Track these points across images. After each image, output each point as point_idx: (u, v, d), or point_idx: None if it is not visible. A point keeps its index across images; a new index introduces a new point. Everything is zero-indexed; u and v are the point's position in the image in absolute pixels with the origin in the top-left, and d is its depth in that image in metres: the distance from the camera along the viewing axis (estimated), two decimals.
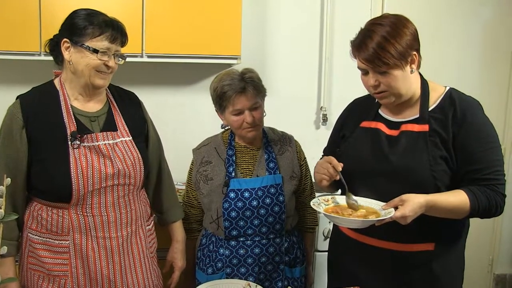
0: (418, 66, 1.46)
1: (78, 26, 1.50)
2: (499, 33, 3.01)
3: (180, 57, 2.42)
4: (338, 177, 1.47)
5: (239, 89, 1.72)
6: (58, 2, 2.21)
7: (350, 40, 1.47)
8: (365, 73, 1.43)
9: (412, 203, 1.32)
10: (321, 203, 1.47)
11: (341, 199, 1.49)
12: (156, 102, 2.69)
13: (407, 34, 1.38)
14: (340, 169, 1.46)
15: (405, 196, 1.34)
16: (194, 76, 2.71)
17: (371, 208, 1.42)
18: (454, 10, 2.96)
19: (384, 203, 1.39)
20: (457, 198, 1.37)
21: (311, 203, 1.46)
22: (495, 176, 1.40)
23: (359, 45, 1.40)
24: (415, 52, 1.41)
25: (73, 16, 1.53)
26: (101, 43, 1.50)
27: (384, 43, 1.35)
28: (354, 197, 1.48)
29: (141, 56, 2.36)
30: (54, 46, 1.57)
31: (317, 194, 2.15)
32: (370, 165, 1.49)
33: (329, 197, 1.49)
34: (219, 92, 1.74)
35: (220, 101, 1.75)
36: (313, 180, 1.70)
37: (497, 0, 2.99)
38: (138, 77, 2.65)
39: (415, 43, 1.41)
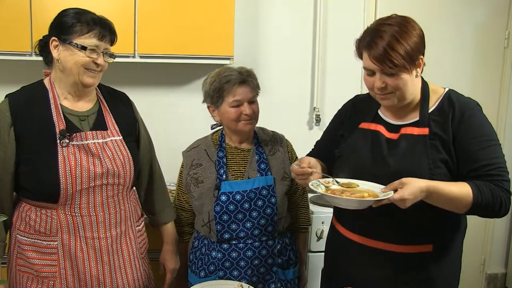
0: (421, 70, 1.45)
1: (66, 24, 1.50)
2: (491, 34, 3.02)
3: (172, 58, 2.41)
4: (316, 175, 1.46)
5: (241, 80, 1.72)
6: (49, 2, 2.20)
7: (355, 39, 1.45)
8: (371, 73, 1.42)
9: (412, 187, 1.30)
10: (320, 184, 1.45)
11: (342, 182, 1.47)
12: (149, 103, 2.69)
13: (415, 36, 1.38)
14: (310, 170, 1.44)
15: (405, 179, 1.32)
16: (187, 77, 2.70)
17: (372, 191, 1.40)
18: (446, 12, 2.97)
19: (384, 187, 1.37)
20: (460, 188, 1.35)
21: (309, 184, 1.43)
22: (498, 172, 1.38)
23: (369, 44, 1.38)
24: (422, 56, 1.40)
25: (62, 15, 1.53)
26: (89, 40, 1.49)
27: (394, 43, 1.34)
28: (347, 181, 1.47)
29: (134, 57, 2.35)
30: (43, 47, 1.56)
31: (309, 195, 2.17)
32: (369, 168, 1.48)
33: (330, 179, 1.47)
34: (217, 84, 1.73)
35: (220, 92, 1.73)
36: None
37: (488, 1, 3.00)
38: (130, 77, 2.64)
39: (422, 47, 1.40)
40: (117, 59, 2.31)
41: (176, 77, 2.72)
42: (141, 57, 2.36)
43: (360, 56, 1.45)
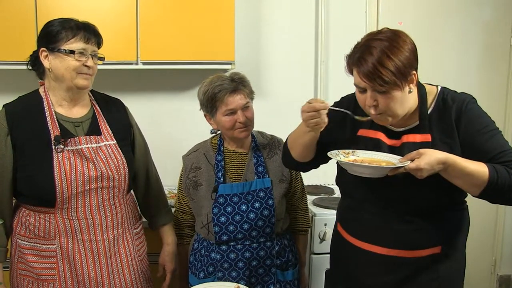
0: (415, 85, 1.41)
1: (52, 33, 1.56)
2: (497, 33, 2.99)
3: (174, 64, 2.45)
4: (326, 120, 1.39)
5: (232, 89, 1.75)
6: (55, 12, 2.25)
7: (345, 55, 1.42)
8: (362, 90, 1.38)
9: (429, 156, 1.29)
10: (340, 154, 1.44)
11: (362, 153, 1.45)
12: (153, 109, 2.74)
13: (407, 51, 1.34)
14: (329, 105, 1.38)
15: (423, 150, 1.31)
16: (190, 82, 2.73)
17: (390, 162, 1.39)
18: (450, 11, 2.94)
19: (401, 157, 1.37)
20: (476, 164, 1.33)
21: (328, 154, 1.42)
22: (508, 158, 1.36)
23: (358, 61, 1.34)
24: (414, 72, 1.37)
25: (47, 26, 1.59)
26: (75, 44, 1.55)
27: (384, 59, 1.30)
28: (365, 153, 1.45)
29: (136, 63, 2.39)
30: (34, 61, 1.62)
31: (309, 196, 2.17)
32: (375, 181, 1.44)
33: (350, 150, 1.47)
34: (210, 94, 1.76)
35: (212, 102, 1.76)
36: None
37: (494, 0, 2.97)
38: (134, 84, 2.69)
39: (414, 62, 1.37)
40: (120, 66, 2.40)
41: (178, 82, 2.75)
42: (144, 63, 2.40)
43: (350, 72, 1.42)
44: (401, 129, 1.47)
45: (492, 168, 1.33)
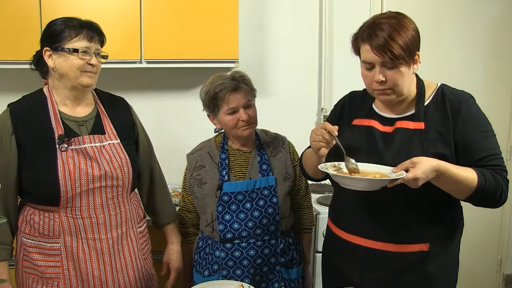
0: (417, 68, 1.45)
1: (55, 32, 1.57)
2: (503, 31, 2.98)
3: (178, 62, 2.46)
4: (334, 142, 1.42)
5: (233, 87, 1.75)
6: (59, 12, 2.25)
7: (352, 34, 1.45)
8: (370, 67, 1.41)
9: (424, 165, 1.29)
10: (328, 168, 1.43)
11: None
12: (157, 107, 2.75)
13: (412, 30, 1.39)
14: (336, 133, 1.41)
15: (416, 159, 1.31)
16: (193, 80, 2.74)
17: (382, 173, 1.38)
18: (456, 9, 2.94)
19: (394, 167, 1.36)
20: (466, 171, 1.35)
21: (319, 167, 1.41)
22: (498, 162, 1.39)
23: (369, 35, 1.38)
24: (418, 52, 1.41)
25: (50, 25, 1.60)
26: (79, 43, 1.56)
27: (394, 34, 1.35)
28: (356, 163, 1.43)
29: (140, 62, 2.40)
30: (38, 61, 1.63)
31: (313, 195, 2.17)
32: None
33: (336, 163, 1.46)
34: (212, 93, 1.76)
35: (214, 101, 1.77)
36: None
37: None
38: (138, 83, 2.70)
39: (418, 43, 1.41)
40: (124, 65, 2.41)
41: (182, 81, 2.76)
42: (147, 62, 2.41)
43: (357, 51, 1.45)
44: (396, 116, 1.48)
45: (481, 174, 1.35)
